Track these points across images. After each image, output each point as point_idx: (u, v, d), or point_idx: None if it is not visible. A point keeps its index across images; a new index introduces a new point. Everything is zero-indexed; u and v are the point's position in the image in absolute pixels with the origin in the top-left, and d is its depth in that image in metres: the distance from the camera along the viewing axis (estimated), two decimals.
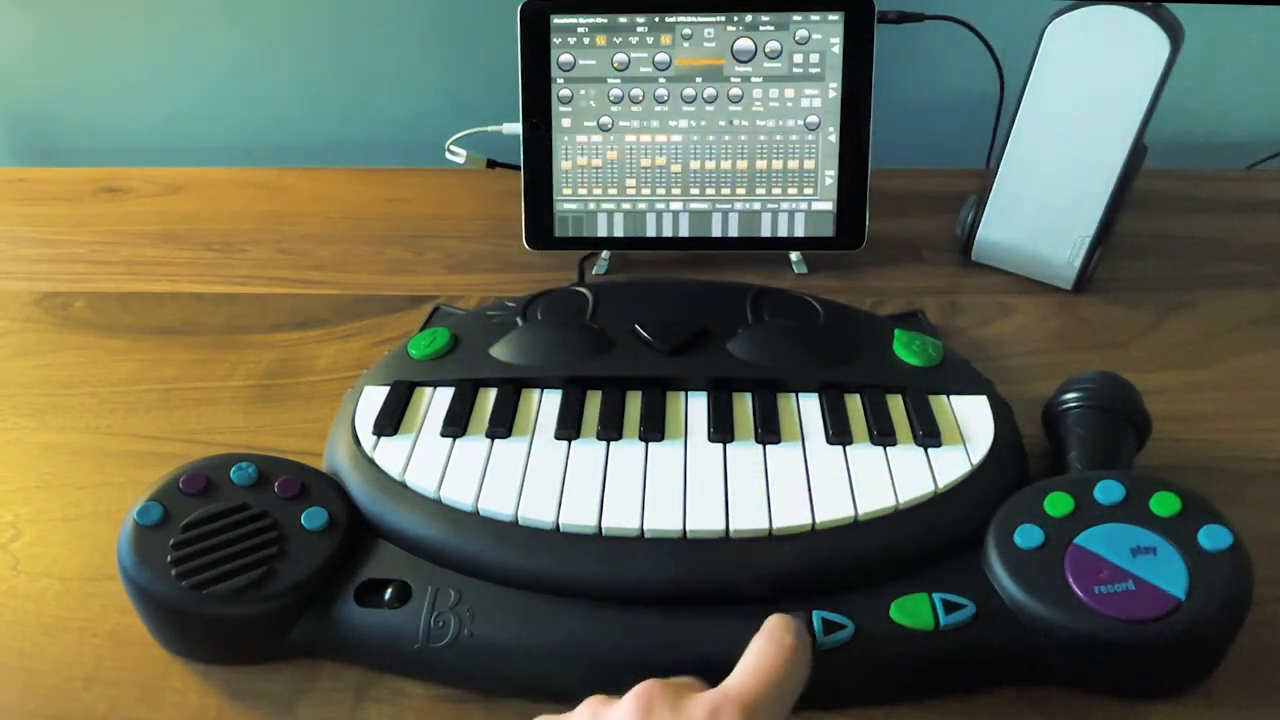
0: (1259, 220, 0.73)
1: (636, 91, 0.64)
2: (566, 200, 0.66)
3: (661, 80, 0.64)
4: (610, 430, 0.46)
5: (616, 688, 0.39)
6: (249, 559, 0.40)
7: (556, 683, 0.39)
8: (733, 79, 0.63)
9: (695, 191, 0.65)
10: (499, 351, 0.51)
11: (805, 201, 0.65)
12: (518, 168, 0.66)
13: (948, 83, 0.83)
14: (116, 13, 0.83)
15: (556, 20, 0.63)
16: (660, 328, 0.52)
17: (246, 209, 0.77)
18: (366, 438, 0.47)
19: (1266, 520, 0.47)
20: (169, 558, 0.40)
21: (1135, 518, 0.39)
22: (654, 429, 0.46)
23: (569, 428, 0.47)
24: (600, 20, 0.63)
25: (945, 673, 0.39)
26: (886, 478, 0.44)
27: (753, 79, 0.63)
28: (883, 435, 0.46)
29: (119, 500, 0.49)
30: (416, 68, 0.85)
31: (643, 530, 0.41)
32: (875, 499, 0.42)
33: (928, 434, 0.46)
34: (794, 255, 0.67)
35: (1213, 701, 0.39)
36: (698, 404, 0.48)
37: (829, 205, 0.65)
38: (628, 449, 0.46)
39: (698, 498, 0.43)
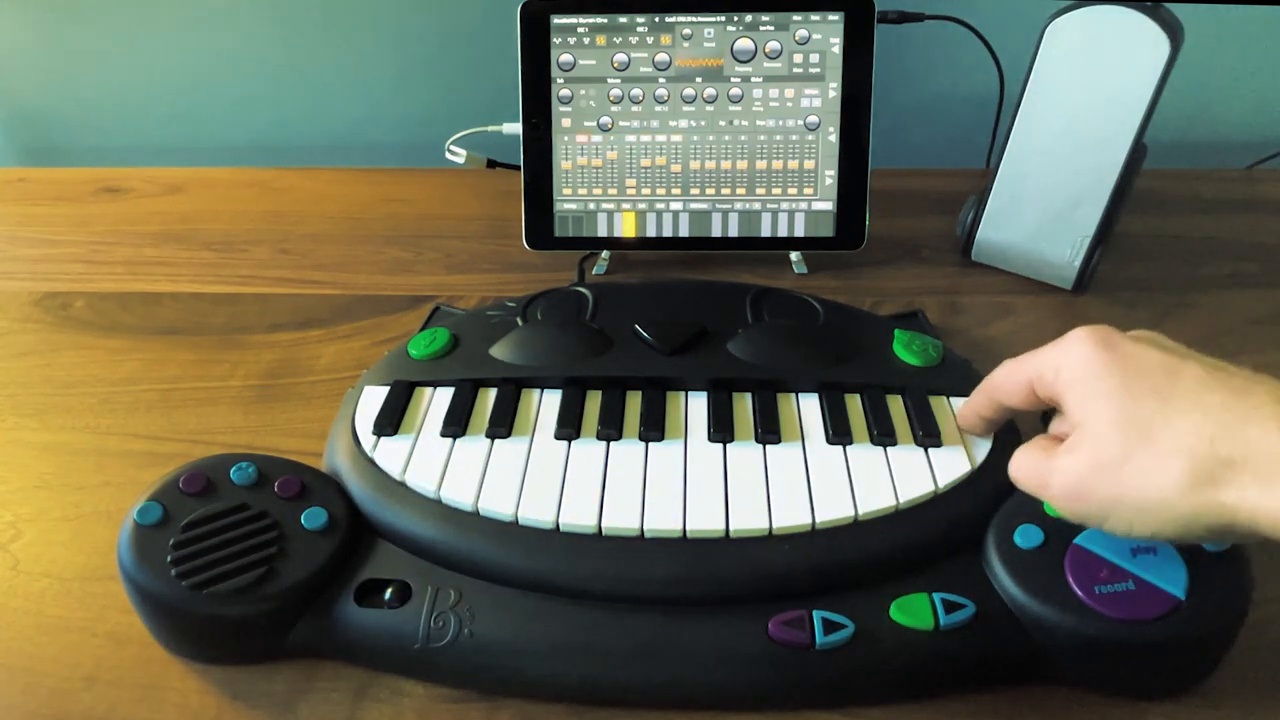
0: (1259, 220, 0.73)
1: (636, 91, 0.64)
2: (566, 200, 0.66)
3: (661, 80, 0.64)
4: (610, 430, 0.46)
5: (617, 687, 0.39)
6: (249, 559, 0.40)
7: (556, 683, 0.39)
8: (733, 79, 0.63)
9: (695, 191, 0.65)
10: (499, 351, 0.51)
11: (805, 201, 0.65)
12: (518, 168, 0.66)
13: (948, 83, 0.83)
14: (117, 13, 0.83)
15: (556, 20, 0.63)
16: (660, 328, 0.52)
17: (246, 209, 0.77)
18: (366, 438, 0.47)
19: None
20: (169, 558, 0.40)
21: None
22: (654, 429, 0.46)
23: (569, 427, 0.47)
24: (600, 20, 0.63)
25: (945, 673, 0.39)
26: (886, 478, 0.44)
27: (753, 79, 0.63)
28: (883, 435, 0.46)
29: (119, 500, 0.49)
30: (416, 68, 0.85)
31: (643, 530, 0.41)
32: (875, 499, 0.42)
33: (928, 434, 0.46)
34: (794, 255, 0.67)
35: (1213, 701, 0.39)
36: (698, 404, 0.48)
37: (829, 205, 0.65)
38: (628, 449, 0.46)
39: (698, 498, 0.43)
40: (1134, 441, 0.33)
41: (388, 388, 0.50)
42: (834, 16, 0.62)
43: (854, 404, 0.48)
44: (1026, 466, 0.38)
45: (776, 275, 0.66)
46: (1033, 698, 0.39)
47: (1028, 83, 0.60)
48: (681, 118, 0.64)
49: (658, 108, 0.64)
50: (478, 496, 0.43)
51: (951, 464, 0.44)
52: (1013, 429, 0.47)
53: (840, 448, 0.46)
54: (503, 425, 0.47)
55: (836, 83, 0.63)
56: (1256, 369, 0.57)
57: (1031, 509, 0.41)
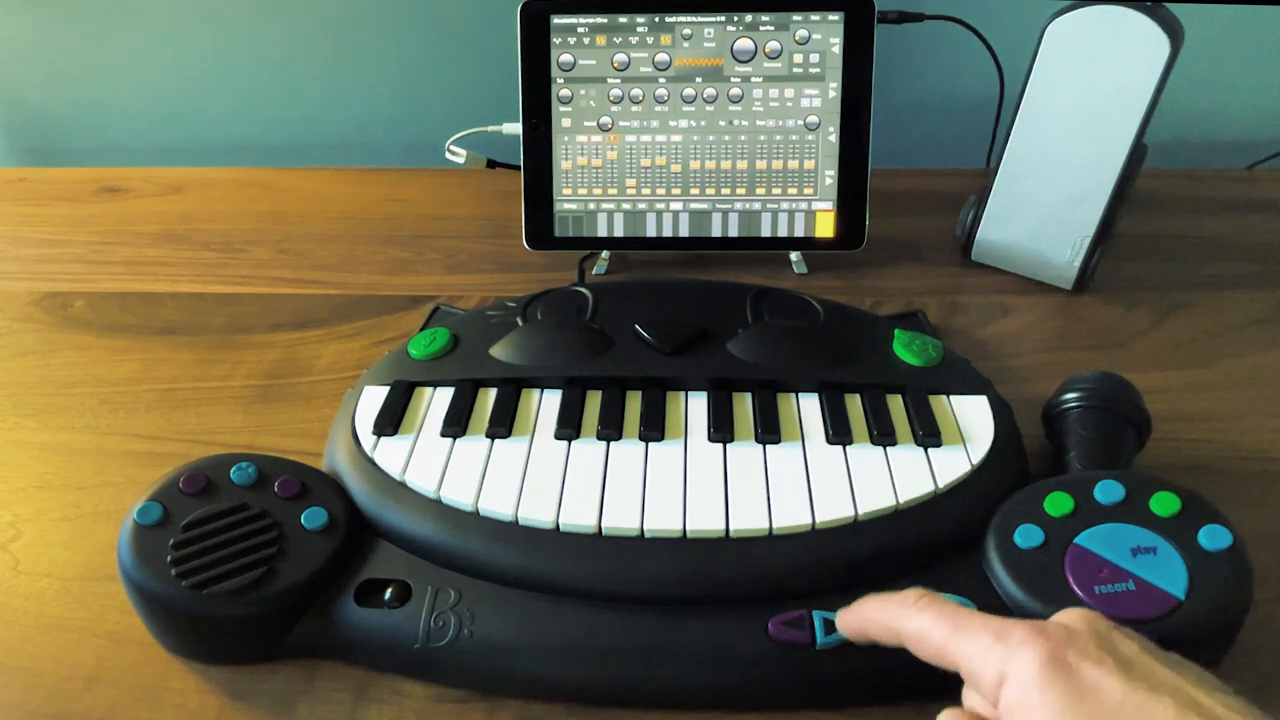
0: (1259, 220, 0.73)
1: (636, 91, 0.64)
2: (566, 200, 0.66)
3: (661, 80, 0.64)
4: (610, 430, 0.46)
5: (617, 687, 0.39)
6: (249, 559, 0.40)
7: (556, 683, 0.39)
8: (733, 79, 0.63)
9: (695, 191, 0.65)
10: (499, 351, 0.51)
11: (805, 201, 0.65)
12: (518, 168, 0.66)
13: (948, 83, 0.83)
14: (117, 13, 0.83)
15: (556, 20, 0.63)
16: (660, 328, 0.52)
17: (246, 209, 0.77)
18: (366, 438, 0.47)
19: (1266, 520, 0.47)
20: (169, 558, 0.40)
21: (1135, 517, 0.39)
22: (654, 429, 0.46)
23: (569, 428, 0.47)
24: (600, 20, 0.63)
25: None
26: (886, 478, 0.44)
27: (753, 79, 0.63)
28: (883, 435, 0.46)
29: (119, 500, 0.49)
30: (416, 68, 0.85)
31: (643, 530, 0.41)
32: (875, 499, 0.42)
33: (928, 434, 0.46)
34: (794, 255, 0.67)
35: None
36: (698, 404, 0.48)
37: (829, 205, 0.65)
38: (628, 449, 0.46)
39: (698, 498, 0.43)
40: None
41: (388, 388, 0.50)
42: (834, 16, 0.62)
43: (854, 404, 0.48)
44: None
45: (776, 275, 0.66)
46: None
47: (1028, 83, 0.60)
48: (681, 118, 0.64)
49: (658, 108, 0.64)
50: (478, 496, 0.43)
51: (951, 464, 0.44)
52: (1014, 429, 0.47)
53: (840, 448, 0.46)
54: (503, 425, 0.47)
55: (836, 83, 0.63)
56: (1256, 369, 0.57)
57: (1031, 509, 0.41)
